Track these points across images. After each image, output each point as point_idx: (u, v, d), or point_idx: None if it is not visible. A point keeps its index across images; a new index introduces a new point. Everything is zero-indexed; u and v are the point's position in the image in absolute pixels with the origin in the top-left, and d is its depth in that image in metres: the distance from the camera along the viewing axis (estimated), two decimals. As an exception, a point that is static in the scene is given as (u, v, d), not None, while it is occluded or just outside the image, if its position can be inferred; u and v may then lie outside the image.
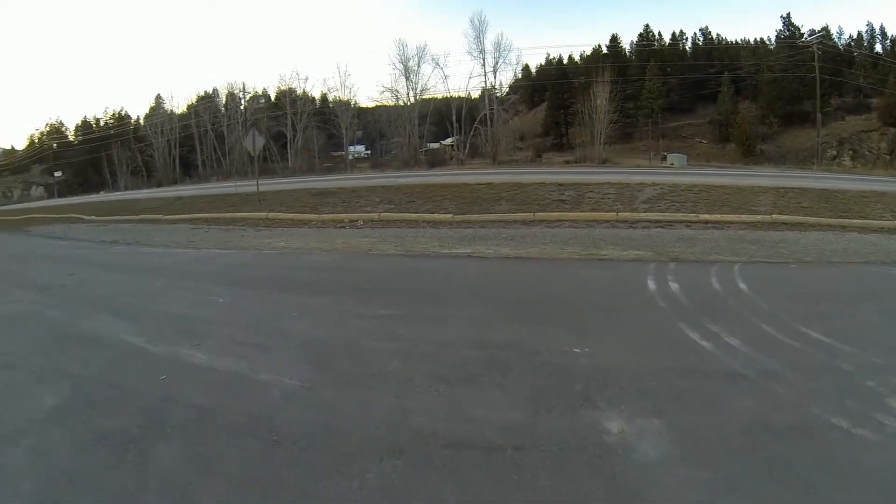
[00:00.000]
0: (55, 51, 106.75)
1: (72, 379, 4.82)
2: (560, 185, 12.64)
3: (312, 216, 12.88)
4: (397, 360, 4.16)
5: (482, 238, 8.99)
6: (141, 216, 21.02)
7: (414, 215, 10.92)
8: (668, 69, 46.92)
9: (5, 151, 68.49)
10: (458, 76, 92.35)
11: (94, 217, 24.46)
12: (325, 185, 19.40)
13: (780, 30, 46.27)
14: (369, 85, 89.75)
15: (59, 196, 50.43)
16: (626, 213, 10.21)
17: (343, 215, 12.02)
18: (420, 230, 9.92)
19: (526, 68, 52.77)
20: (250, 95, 50.57)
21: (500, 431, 2.94)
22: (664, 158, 38.36)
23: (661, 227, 9.50)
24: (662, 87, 45.97)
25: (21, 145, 67.91)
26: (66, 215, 27.82)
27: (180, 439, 3.32)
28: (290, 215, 13.70)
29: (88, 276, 10.59)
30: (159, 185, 43.18)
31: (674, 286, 5.64)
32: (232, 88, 52.05)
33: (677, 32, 51.82)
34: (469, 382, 3.64)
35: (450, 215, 10.53)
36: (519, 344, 4.20)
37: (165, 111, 54.80)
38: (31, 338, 6.33)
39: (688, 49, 51.44)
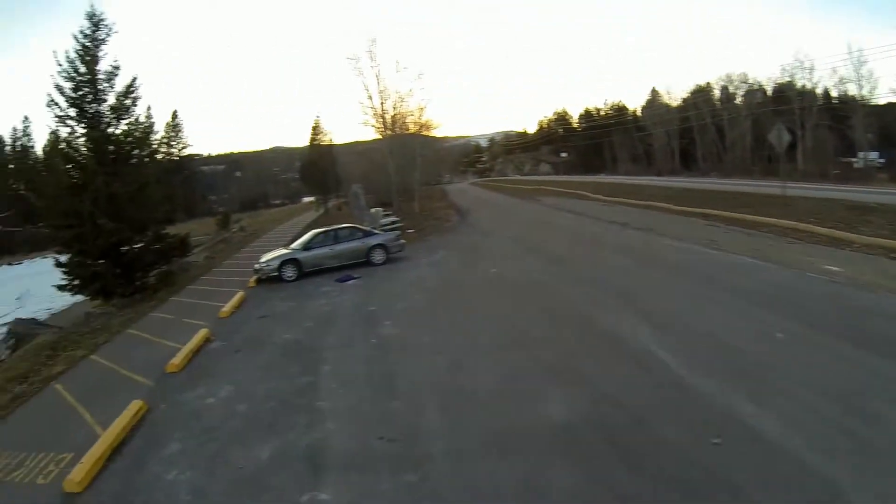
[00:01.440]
0: (561, 49, 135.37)
1: (583, 388, 4.06)
2: None
3: (851, 235, 12.59)
4: None
5: None
6: (647, 202, 23.57)
7: None
8: None
9: (519, 133, 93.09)
10: None
11: (599, 196, 28.92)
12: (859, 199, 17.64)
13: None
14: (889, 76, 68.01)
15: (563, 174, 62.74)
16: None
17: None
18: None
19: None
20: (747, 88, 49.45)
21: None
22: None
23: None
24: None
25: (532, 129, 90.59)
26: (572, 191, 33.42)
27: None
28: (823, 229, 13.41)
29: (605, 257, 11.33)
30: (658, 175, 47.50)
31: None
32: (727, 80, 51.72)
33: None
34: None
35: None
36: None
37: (661, 103, 59.93)
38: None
39: None
